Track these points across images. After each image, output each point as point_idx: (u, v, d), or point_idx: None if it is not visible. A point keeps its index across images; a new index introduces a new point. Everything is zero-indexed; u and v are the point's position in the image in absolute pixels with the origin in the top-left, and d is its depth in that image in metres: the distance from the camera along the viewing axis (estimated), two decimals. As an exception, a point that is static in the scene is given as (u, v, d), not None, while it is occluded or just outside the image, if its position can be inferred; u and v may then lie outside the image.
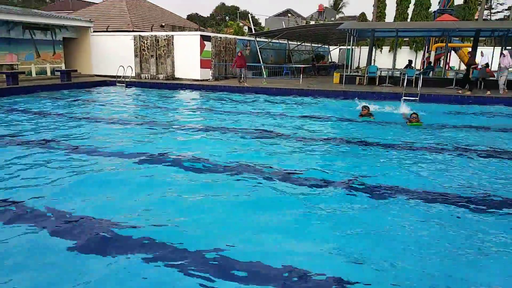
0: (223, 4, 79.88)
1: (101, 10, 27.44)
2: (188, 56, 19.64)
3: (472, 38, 19.87)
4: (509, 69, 15.71)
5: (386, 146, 7.70)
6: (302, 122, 10.28)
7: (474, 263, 3.47)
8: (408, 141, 8.07)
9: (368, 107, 10.76)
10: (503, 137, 8.90)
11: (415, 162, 6.60)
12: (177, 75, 20.14)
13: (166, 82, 19.19)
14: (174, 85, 18.62)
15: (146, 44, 20.25)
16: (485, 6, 61.69)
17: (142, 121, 10.24)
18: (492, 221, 4.36)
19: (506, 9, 59.57)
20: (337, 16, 60.94)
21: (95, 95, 15.91)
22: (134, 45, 20.41)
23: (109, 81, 19.21)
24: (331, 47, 35.22)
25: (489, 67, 16.30)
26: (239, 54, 18.48)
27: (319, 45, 33.39)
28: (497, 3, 62.40)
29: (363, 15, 41.82)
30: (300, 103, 14.22)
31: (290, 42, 28.54)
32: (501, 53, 15.86)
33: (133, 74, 20.16)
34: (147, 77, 20.34)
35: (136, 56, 20.52)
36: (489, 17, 61.37)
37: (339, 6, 62.21)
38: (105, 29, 23.23)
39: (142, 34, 20.63)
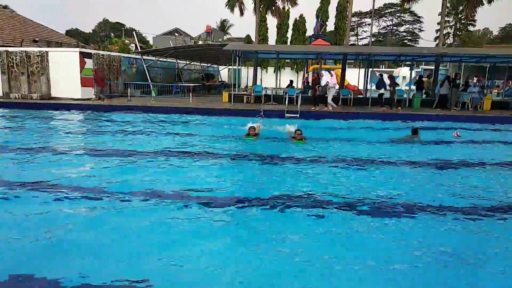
0: (107, 20, 76.28)
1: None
2: (66, 74, 18.22)
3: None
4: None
5: (271, 160, 8.19)
6: (189, 140, 10.30)
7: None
8: (293, 156, 8.64)
9: (255, 128, 10.58)
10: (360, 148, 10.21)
11: (303, 173, 7.16)
12: (54, 94, 18.48)
13: (41, 102, 17.44)
14: (51, 105, 17.01)
15: (15, 60, 18.21)
16: (353, 33, 70.60)
17: (10, 145, 9.11)
18: (359, 221, 4.97)
19: (369, 36, 69.05)
20: (225, 37, 63.05)
21: None
22: (1, 61, 18.18)
23: (-33, 102, 16.69)
24: (221, 67, 36.20)
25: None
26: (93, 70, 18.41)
27: (209, 65, 34.06)
28: (362, 31, 71.91)
29: (248, 37, 44.05)
30: (190, 122, 14.26)
31: (179, 61, 28.53)
32: (330, 72, 17.98)
33: (0, 94, 17.89)
34: (17, 97, 18.23)
35: (3, 73, 18.28)
36: (356, 42, 70.18)
37: (226, 28, 64.50)
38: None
39: (10, 49, 18.51)
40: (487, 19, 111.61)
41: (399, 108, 17.28)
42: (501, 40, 68.76)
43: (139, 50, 25.21)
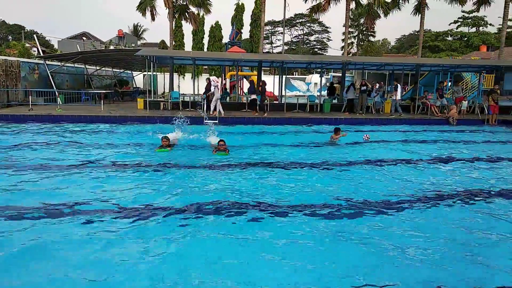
0: (4, 21, 68.78)
1: None
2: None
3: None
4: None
5: (186, 172, 8.04)
6: (101, 151, 9.69)
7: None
8: (212, 165, 8.59)
9: (168, 138, 9.82)
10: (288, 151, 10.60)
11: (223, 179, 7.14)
12: None
13: None
14: None
15: None
16: (268, 41, 73.04)
17: None
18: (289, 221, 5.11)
19: (282, 44, 72.06)
20: (139, 42, 60.86)
21: None
22: None
23: None
24: (135, 73, 34.79)
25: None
26: None
27: (122, 70, 32.50)
28: (276, 39, 74.76)
29: (163, 42, 43.06)
30: (101, 131, 13.40)
31: (88, 67, 26.76)
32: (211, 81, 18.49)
33: None
34: None
35: None
36: (271, 50, 72.72)
37: (140, 32, 62.35)
38: None
39: None
40: (385, 30, 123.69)
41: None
42: (397, 49, 76.78)
43: (42, 54, 23.08)
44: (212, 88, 17.13)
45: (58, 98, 19.81)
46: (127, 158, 8.82)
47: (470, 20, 62.06)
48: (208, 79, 18.30)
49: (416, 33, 51.14)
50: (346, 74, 25.46)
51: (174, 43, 36.04)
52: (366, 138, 12.08)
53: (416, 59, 27.76)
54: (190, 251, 4.23)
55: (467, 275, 3.89)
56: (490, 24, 62.55)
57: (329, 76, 39.07)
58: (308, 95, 24.70)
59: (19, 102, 19.00)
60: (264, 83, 18.27)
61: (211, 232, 4.71)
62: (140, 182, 6.92)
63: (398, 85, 19.27)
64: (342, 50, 42.39)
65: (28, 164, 8.02)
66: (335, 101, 21.85)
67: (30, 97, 17.86)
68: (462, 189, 6.97)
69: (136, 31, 63.37)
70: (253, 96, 18.17)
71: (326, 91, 23.15)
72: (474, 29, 63.26)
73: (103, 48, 34.92)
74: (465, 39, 59.81)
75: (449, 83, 26.09)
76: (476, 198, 6.46)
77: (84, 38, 42.90)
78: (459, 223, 5.28)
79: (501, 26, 30.94)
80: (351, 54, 52.65)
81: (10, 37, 65.23)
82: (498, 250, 4.52)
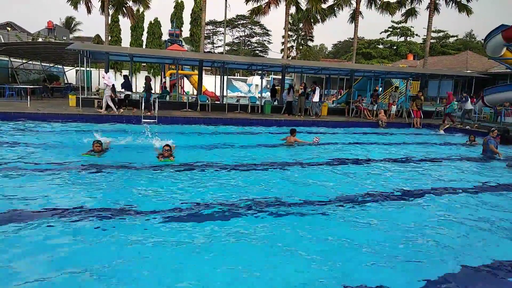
0: None
1: None
2: None
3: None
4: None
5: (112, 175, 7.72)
6: (25, 152, 8.95)
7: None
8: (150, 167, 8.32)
9: (101, 143, 8.72)
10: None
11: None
12: None
13: None
14: None
15: None
16: (209, 40, 72.54)
17: None
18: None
19: (223, 45, 71.98)
20: (71, 36, 57.26)
21: None
22: None
23: None
24: (67, 68, 32.63)
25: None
26: None
27: (52, 65, 30.31)
28: (218, 39, 74.51)
29: (98, 37, 41.02)
30: (28, 129, 12.39)
31: (13, 59, 24.62)
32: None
33: None
34: None
35: None
36: (213, 50, 72.33)
37: (72, 25, 58.75)
38: None
39: None
40: (323, 36, 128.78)
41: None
42: (334, 55, 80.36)
43: (-43, 43, 20.85)
44: (103, 85, 16.48)
45: (-23, 93, 18.01)
46: (48, 160, 8.10)
47: (399, 30, 66.83)
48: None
49: (351, 40, 53.87)
50: (286, 77, 26.11)
51: (110, 38, 34.44)
52: (316, 140, 12.22)
53: (350, 65, 29.25)
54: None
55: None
56: (417, 35, 67.98)
57: (270, 78, 39.83)
58: (250, 96, 24.96)
59: None
60: (148, 79, 17.58)
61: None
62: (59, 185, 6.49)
63: (317, 88, 20.06)
64: (282, 53, 43.41)
65: None
66: (275, 103, 22.32)
67: None
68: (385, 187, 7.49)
69: (69, 24, 59.57)
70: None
71: (267, 92, 23.54)
72: (402, 39, 68.23)
73: (30, 40, 32.28)
74: (394, 47, 64.37)
75: (380, 89, 27.88)
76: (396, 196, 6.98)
77: (9, 29, 39.34)
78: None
79: (425, 37, 33.69)
80: (290, 57, 54.06)
81: None
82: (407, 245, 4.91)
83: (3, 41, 22.74)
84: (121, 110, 16.50)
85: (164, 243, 4.39)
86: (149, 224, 4.93)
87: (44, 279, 3.51)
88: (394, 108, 20.94)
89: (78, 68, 31.98)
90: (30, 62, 26.53)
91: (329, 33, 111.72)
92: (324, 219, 5.58)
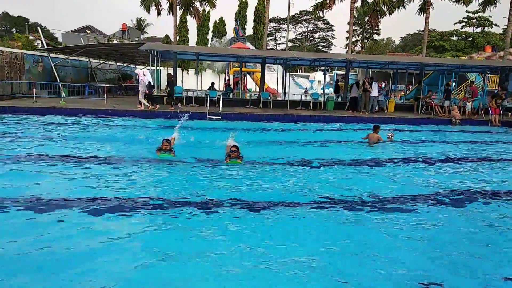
0: (7, 13, 68.78)
1: None
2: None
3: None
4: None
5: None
6: (104, 144, 9.70)
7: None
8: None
9: (169, 141, 8.60)
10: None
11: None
12: None
13: None
14: None
15: None
16: (272, 37, 72.88)
17: None
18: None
19: (286, 41, 71.95)
20: (143, 36, 60.76)
21: None
22: None
23: None
24: (138, 67, 34.73)
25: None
26: None
27: (125, 65, 32.48)
28: (280, 36, 74.56)
29: (167, 37, 42.98)
30: (101, 125, 13.40)
31: (92, 60, 26.78)
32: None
33: None
34: None
35: None
36: (275, 47, 72.57)
37: (143, 26, 62.26)
38: None
39: None
40: (390, 29, 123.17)
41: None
42: (402, 48, 76.49)
43: (46, 47, 23.08)
44: (140, 82, 16.80)
45: (62, 91, 19.82)
46: (126, 154, 8.69)
47: (475, 20, 61.74)
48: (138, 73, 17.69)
49: (420, 33, 50.92)
50: (350, 72, 25.38)
51: (178, 38, 35.95)
52: (390, 136, 11.56)
53: (420, 58, 27.64)
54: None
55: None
56: (496, 25, 62.22)
57: (333, 74, 39.00)
58: (312, 92, 24.66)
59: (23, 94, 19.02)
60: (170, 76, 18.03)
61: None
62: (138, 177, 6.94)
63: (374, 82, 18.97)
64: (346, 48, 42.31)
65: (25, 154, 8.06)
66: (339, 99, 21.81)
67: (34, 89, 17.89)
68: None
69: (140, 25, 63.28)
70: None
71: (330, 88, 23.06)
72: (479, 29, 62.95)
73: (106, 42, 34.87)
74: (470, 39, 59.51)
75: (453, 84, 26.00)
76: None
77: (88, 32, 42.83)
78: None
79: (506, 27, 30.75)
80: (355, 52, 52.44)
81: (14, 29, 65.24)
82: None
83: (83, 43, 24.74)
84: (157, 106, 16.96)
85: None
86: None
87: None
88: (469, 105, 19.41)
89: (148, 67, 33.97)
90: (107, 62, 28.63)
91: (396, 25, 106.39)
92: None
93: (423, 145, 11.93)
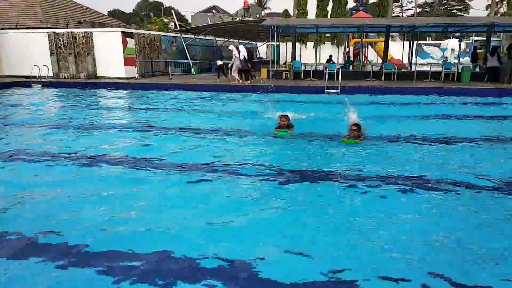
0: (146, -1, 77.38)
1: (10, 5, 25.13)
2: (110, 54, 18.91)
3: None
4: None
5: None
6: (235, 119, 10.41)
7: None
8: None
9: (287, 117, 8.09)
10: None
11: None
12: (99, 73, 19.28)
13: (88, 81, 18.27)
14: (98, 84, 17.82)
15: (63, 41, 19.07)
16: (397, 3, 67.15)
17: (69, 123, 9.69)
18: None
19: (414, 7, 65.37)
20: (263, 13, 62.19)
21: (9, 97, 14.67)
22: (49, 42, 19.11)
23: (23, 82, 17.79)
24: (259, 43, 35.89)
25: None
26: None
27: (247, 41, 33.86)
28: (407, 1, 68.16)
29: (286, 12, 43.14)
30: (225, 99, 14.38)
31: (217, 38, 28.60)
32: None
33: (50, 74, 18.91)
34: (66, 77, 19.18)
35: (52, 54, 19.25)
36: (401, 14, 66.81)
37: (264, 3, 63.53)
38: (14, 26, 21.39)
39: (57, 31, 19.36)
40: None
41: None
42: None
43: (178, 28, 25.44)
44: (233, 57, 17.35)
45: (193, 69, 21.75)
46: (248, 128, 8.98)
47: None
48: (236, 46, 18.08)
49: None
50: (492, 38, 22.02)
51: (297, 11, 35.84)
52: None
53: None
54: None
55: None
56: None
57: (470, 41, 34.36)
58: (443, 62, 22.24)
59: (161, 72, 21.46)
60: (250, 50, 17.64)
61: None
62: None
63: None
64: (487, 9, 36.73)
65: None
66: (477, 69, 19.24)
67: (169, 67, 20.04)
68: None
69: (261, 2, 64.77)
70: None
71: (466, 57, 20.43)
72: None
73: (230, 20, 36.70)
74: None
75: None
76: None
77: (214, 11, 45.68)
78: None
79: None
80: (499, 15, 45.04)
81: (151, 14, 73.32)
82: None
83: (210, 23, 26.53)
84: (248, 82, 17.32)
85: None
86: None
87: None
88: None
89: (268, 43, 34.82)
90: (230, 40, 30.26)
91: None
92: None
93: None
